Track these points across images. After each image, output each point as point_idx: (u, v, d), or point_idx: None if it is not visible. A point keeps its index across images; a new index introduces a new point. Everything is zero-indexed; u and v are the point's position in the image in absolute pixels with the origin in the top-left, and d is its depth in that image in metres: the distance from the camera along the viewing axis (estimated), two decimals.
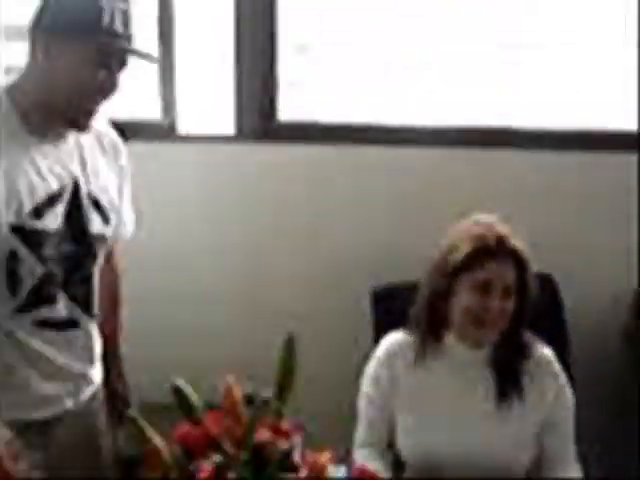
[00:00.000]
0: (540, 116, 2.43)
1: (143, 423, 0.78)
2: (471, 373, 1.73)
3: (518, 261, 1.65)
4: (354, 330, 2.25)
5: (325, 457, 0.81)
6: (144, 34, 2.27)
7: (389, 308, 2.11)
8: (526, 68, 2.41)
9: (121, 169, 1.65)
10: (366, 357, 1.86)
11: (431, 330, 1.73)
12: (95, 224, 1.51)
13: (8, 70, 2.19)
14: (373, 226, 2.42)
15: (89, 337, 1.57)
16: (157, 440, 0.79)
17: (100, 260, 1.56)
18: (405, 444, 1.70)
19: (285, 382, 0.89)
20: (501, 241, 1.64)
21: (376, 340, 1.94)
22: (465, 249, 1.65)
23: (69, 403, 1.53)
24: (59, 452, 1.49)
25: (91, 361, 1.60)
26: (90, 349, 1.58)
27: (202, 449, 0.78)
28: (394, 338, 1.80)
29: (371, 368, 1.79)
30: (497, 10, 2.36)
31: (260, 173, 2.39)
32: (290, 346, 0.88)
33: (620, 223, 2.42)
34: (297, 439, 0.84)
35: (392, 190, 2.40)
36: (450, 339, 1.73)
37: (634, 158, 2.38)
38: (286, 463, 0.78)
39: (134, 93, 2.44)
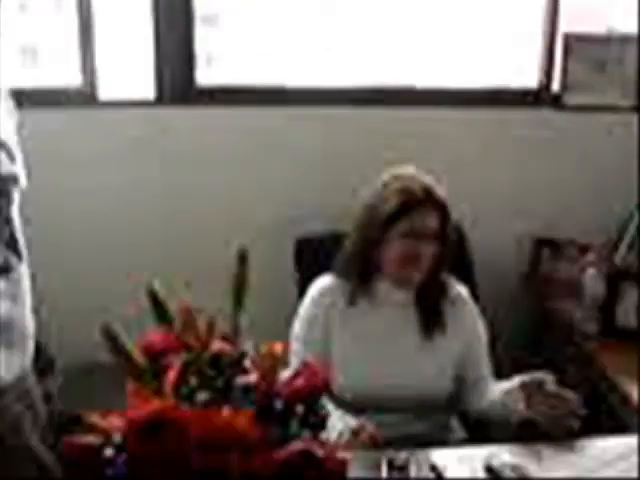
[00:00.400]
0: (444, 75, 2.59)
1: (116, 331, 0.86)
2: (399, 312, 1.88)
3: (442, 209, 1.80)
4: (280, 278, 2.35)
5: (279, 347, 0.90)
6: (64, 5, 2.34)
7: (311, 256, 2.24)
8: (429, 28, 2.55)
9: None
10: (293, 303, 1.98)
11: (363, 275, 1.87)
12: (3, 164, 1.38)
13: None
14: (291, 182, 2.53)
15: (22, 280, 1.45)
16: (130, 347, 0.87)
17: (16, 204, 1.44)
18: (341, 381, 1.80)
19: (240, 292, 0.99)
20: (428, 192, 1.79)
21: (301, 286, 2.09)
22: (395, 201, 1.79)
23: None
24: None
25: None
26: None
27: (169, 350, 0.87)
28: (324, 282, 1.92)
29: (304, 310, 1.90)
30: None
31: (180, 135, 2.45)
32: (243, 259, 0.98)
33: (524, 175, 2.63)
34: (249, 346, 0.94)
35: (306, 148, 2.51)
36: (380, 282, 1.87)
37: (534, 113, 2.58)
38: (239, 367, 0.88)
39: (54, 61, 2.48)
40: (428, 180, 1.83)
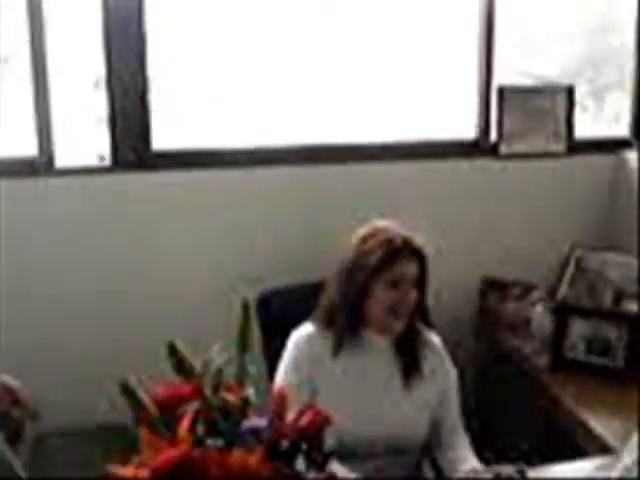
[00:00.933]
0: (385, 130, 2.72)
1: (134, 386, 0.91)
2: (382, 359, 1.96)
3: (421, 257, 1.91)
4: None
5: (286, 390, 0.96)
6: (17, 72, 2.38)
7: (273, 311, 2.29)
8: (365, 83, 2.67)
9: None
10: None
11: (351, 325, 1.94)
12: None
13: None
14: (248, 241, 2.59)
15: None
16: (147, 401, 0.92)
17: None
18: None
19: (245, 340, 1.05)
20: (407, 242, 1.90)
21: (266, 342, 2.16)
22: (380, 252, 1.88)
23: None
24: None
25: None
26: None
27: (180, 401, 0.92)
28: (307, 330, 1.98)
29: (289, 355, 1.94)
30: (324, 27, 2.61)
31: (137, 201, 2.50)
32: (246, 308, 1.05)
33: (468, 221, 2.77)
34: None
35: (261, 208, 2.60)
36: (365, 331, 1.95)
37: (474, 163, 2.74)
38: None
39: (8, 131, 2.50)
40: (405, 231, 1.94)
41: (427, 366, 1.97)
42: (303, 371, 1.91)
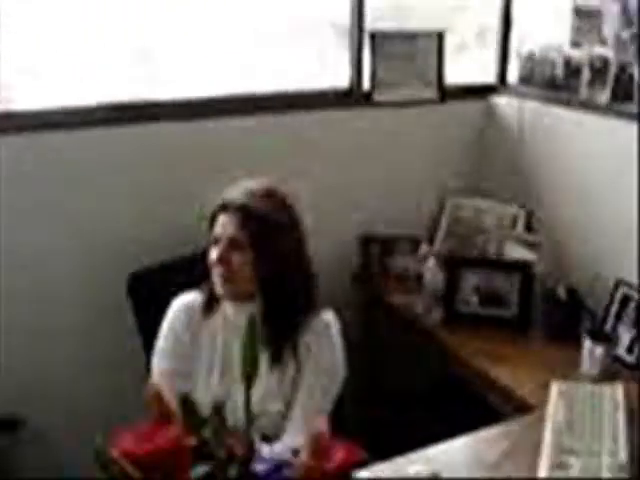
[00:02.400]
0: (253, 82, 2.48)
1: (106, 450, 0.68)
2: (239, 332, 1.75)
3: (246, 216, 1.70)
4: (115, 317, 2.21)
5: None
6: None
7: (146, 289, 2.10)
8: (233, 35, 2.44)
9: None
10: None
11: (211, 289, 1.78)
12: None
13: None
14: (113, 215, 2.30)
15: None
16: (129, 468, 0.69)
17: None
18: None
19: (252, 369, 0.83)
20: (231, 198, 1.73)
21: (139, 322, 2.01)
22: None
23: None
24: None
25: None
26: None
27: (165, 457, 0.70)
28: (187, 296, 1.83)
29: (167, 324, 1.81)
30: None
31: None
32: (252, 325, 0.82)
33: (343, 175, 2.62)
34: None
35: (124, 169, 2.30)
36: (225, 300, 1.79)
37: (348, 113, 2.58)
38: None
39: None
40: (244, 188, 1.75)
41: (302, 346, 1.76)
42: (179, 336, 1.79)
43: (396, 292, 2.56)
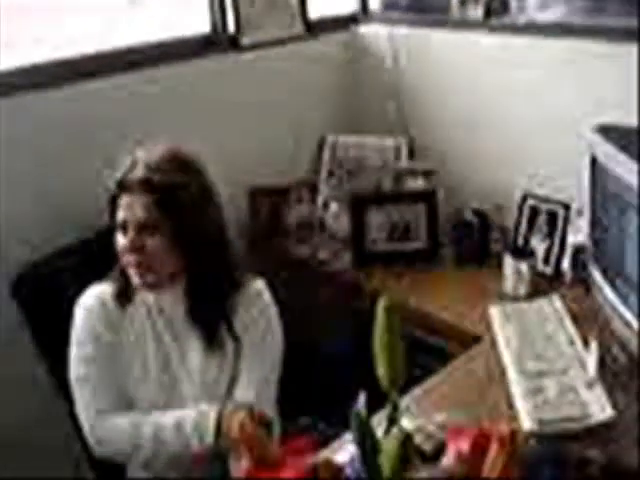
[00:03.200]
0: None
1: None
2: (176, 322, 1.59)
3: (152, 193, 1.47)
4: None
5: None
6: None
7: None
8: None
9: None
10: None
11: (124, 279, 1.57)
12: None
13: None
14: None
15: None
16: None
17: None
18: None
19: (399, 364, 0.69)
20: (130, 175, 1.48)
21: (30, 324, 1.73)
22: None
23: None
24: None
25: None
26: None
27: None
28: (95, 292, 1.60)
29: (81, 327, 1.57)
30: None
31: None
32: (389, 315, 0.68)
33: (220, 126, 2.43)
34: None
35: None
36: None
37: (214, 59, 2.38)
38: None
39: None
40: (140, 159, 1.50)
41: (238, 322, 1.60)
42: (99, 337, 1.56)
43: (296, 244, 2.43)
